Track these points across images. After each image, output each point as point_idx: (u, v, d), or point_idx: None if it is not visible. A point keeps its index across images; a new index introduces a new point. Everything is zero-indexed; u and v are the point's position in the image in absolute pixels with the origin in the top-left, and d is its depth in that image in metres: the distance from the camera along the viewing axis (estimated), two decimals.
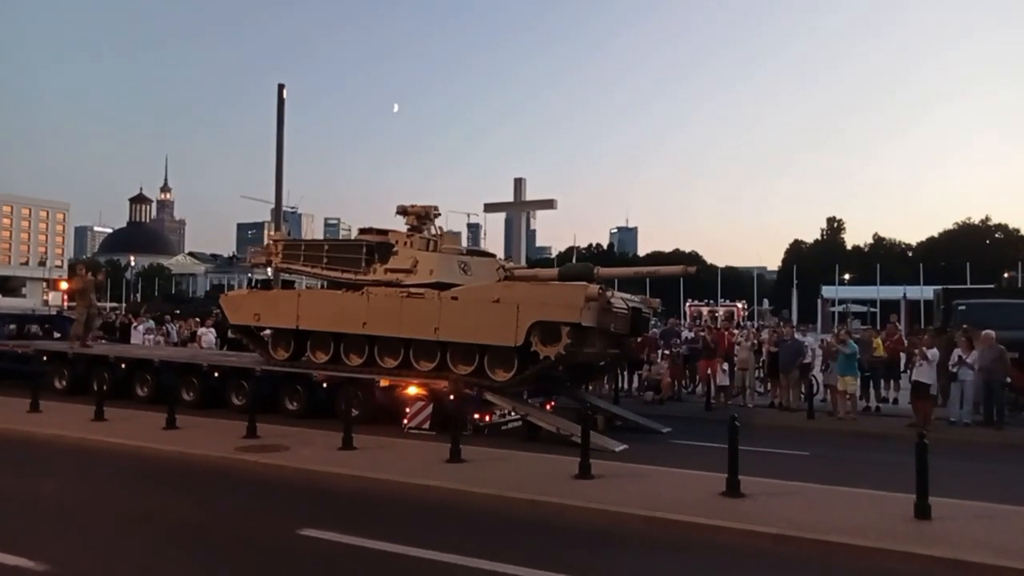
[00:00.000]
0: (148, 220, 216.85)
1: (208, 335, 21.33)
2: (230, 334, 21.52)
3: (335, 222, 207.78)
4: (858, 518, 7.39)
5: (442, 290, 13.02)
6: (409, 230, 14.32)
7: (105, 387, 13.83)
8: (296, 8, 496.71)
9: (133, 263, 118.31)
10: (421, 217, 14.43)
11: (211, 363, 15.26)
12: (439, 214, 14.88)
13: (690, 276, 14.83)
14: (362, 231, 14.96)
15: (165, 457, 10.40)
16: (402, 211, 14.56)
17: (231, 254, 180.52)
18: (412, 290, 13.23)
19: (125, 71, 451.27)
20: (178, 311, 25.68)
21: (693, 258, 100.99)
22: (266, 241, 17.24)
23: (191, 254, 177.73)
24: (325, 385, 13.81)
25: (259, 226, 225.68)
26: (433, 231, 14.47)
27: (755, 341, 19.03)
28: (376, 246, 14.04)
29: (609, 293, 12.52)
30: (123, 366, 16.04)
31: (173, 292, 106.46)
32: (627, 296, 13.74)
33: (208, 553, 6.59)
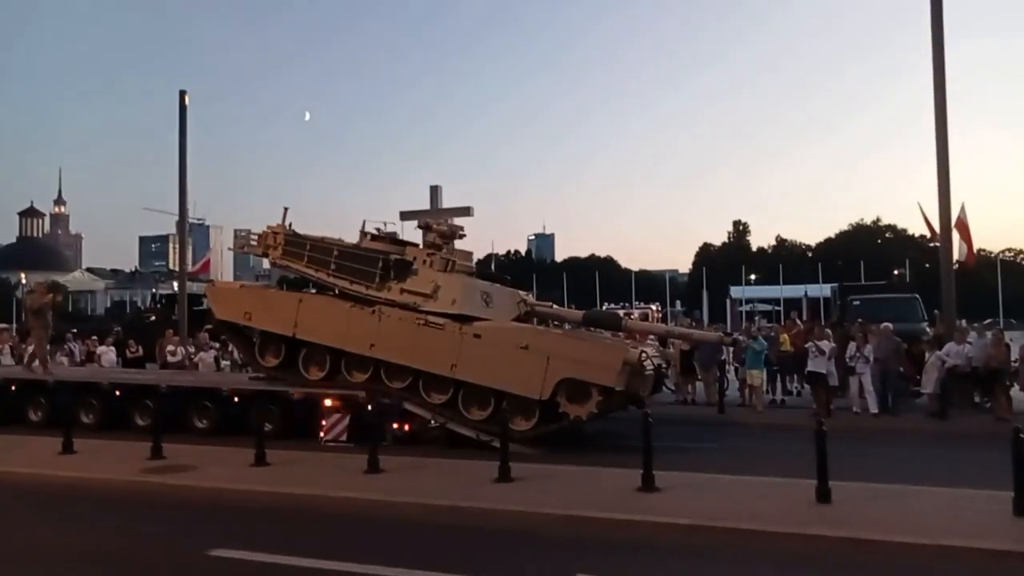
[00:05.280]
0: (41, 235, 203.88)
1: (109, 354, 20.22)
2: (129, 353, 20.49)
3: (245, 233, 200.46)
4: (764, 505, 7.72)
5: (463, 323, 12.04)
6: (428, 247, 13.30)
7: None
8: (197, 15, 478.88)
9: (24, 280, 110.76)
10: (446, 236, 13.40)
11: (112, 381, 14.47)
12: (464, 235, 13.88)
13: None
14: (373, 237, 13.50)
15: (61, 483, 9.79)
16: (425, 227, 13.52)
17: (133, 268, 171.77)
18: (430, 318, 12.19)
19: (10, 78, 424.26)
20: (75, 330, 24.13)
21: (608, 262, 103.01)
22: (262, 231, 14.65)
23: (89, 270, 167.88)
24: (236, 399, 13.35)
25: (163, 239, 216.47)
26: (448, 251, 13.38)
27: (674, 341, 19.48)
28: (394, 262, 12.92)
29: (642, 353, 11.90)
30: (13, 389, 15.02)
31: (70, 310, 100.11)
32: (653, 353, 13.13)
33: None
